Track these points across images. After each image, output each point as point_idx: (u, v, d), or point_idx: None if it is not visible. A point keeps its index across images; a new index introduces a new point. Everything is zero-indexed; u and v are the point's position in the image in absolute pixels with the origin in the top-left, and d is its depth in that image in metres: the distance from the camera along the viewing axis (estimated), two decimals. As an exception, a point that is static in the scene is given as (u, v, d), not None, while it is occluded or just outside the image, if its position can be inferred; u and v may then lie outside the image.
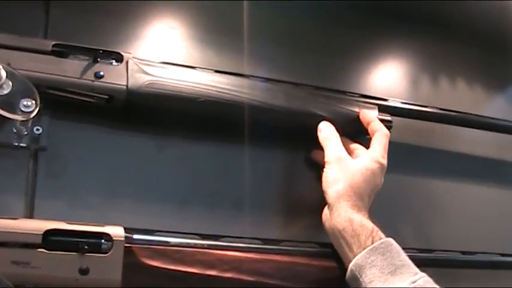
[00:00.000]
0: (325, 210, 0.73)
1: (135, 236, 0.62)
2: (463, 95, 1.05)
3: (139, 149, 0.73)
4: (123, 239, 0.60)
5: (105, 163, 0.71)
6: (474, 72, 1.08)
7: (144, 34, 0.80)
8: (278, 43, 0.89)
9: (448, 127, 0.94)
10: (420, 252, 0.80)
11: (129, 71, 0.68)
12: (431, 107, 0.90)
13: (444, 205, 0.93)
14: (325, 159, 0.74)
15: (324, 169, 0.74)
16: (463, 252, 0.84)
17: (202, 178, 0.76)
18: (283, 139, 0.81)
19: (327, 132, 0.77)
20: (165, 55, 0.79)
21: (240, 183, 0.78)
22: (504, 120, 0.97)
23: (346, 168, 0.73)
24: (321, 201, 0.74)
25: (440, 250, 0.82)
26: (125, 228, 0.61)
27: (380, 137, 0.77)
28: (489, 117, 0.96)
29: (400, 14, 1.02)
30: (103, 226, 0.60)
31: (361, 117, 0.81)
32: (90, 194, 0.69)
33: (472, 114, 0.93)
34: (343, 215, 0.69)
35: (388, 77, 1.00)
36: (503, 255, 0.88)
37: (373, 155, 0.75)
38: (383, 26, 1.02)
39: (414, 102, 0.89)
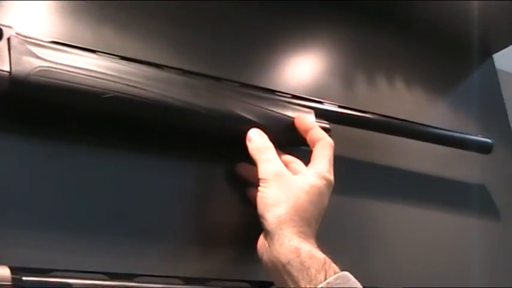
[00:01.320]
0: (262, 239, 0.73)
1: (26, 278, 0.58)
2: (402, 98, 1.12)
3: (22, 156, 0.69)
4: (9, 283, 0.56)
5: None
6: (414, 72, 1.15)
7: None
8: (191, 26, 0.88)
9: (390, 137, 0.98)
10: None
11: (12, 52, 0.63)
12: (372, 113, 0.94)
13: (385, 231, 0.97)
14: (260, 176, 0.74)
15: (260, 188, 0.73)
16: (409, 290, 0.89)
17: (103, 197, 0.73)
18: (204, 148, 0.81)
19: (259, 142, 0.77)
20: (49, 31, 0.75)
21: (151, 204, 0.76)
22: (451, 131, 1.04)
23: (288, 186, 0.72)
24: (253, 228, 0.75)
25: (383, 288, 0.86)
26: (10, 268, 0.57)
27: (323, 147, 0.79)
28: (436, 128, 1.02)
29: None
30: (-19, 266, 0.56)
31: (297, 123, 0.82)
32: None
33: (420, 124, 0.99)
34: (288, 244, 0.68)
35: (315, 74, 1.04)
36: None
37: (318, 170, 0.75)
38: (309, 11, 1.05)
39: (353, 107, 0.93)
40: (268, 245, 0.71)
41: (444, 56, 1.23)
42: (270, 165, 0.74)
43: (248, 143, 0.77)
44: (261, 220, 0.72)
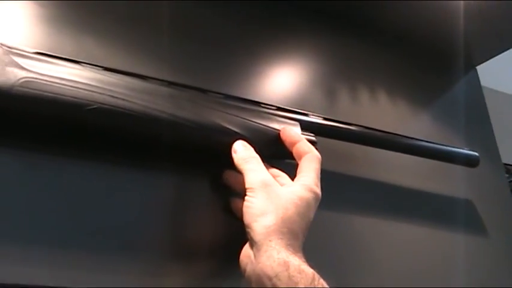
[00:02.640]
0: (247, 250, 0.74)
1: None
2: (385, 110, 1.15)
3: (4, 168, 0.70)
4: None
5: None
6: (397, 84, 1.19)
7: None
8: (175, 37, 0.91)
9: (373, 150, 1.01)
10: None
11: (-3, 63, 0.66)
12: (356, 125, 0.97)
13: (368, 244, 1.00)
14: (247, 185, 0.75)
15: (246, 197, 0.74)
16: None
17: (81, 210, 0.75)
18: (187, 160, 0.84)
19: (244, 153, 0.80)
20: (29, 42, 0.78)
21: (130, 217, 0.78)
22: (437, 144, 1.08)
23: (276, 196, 0.73)
24: (234, 240, 0.77)
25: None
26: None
27: (310, 160, 0.81)
28: (420, 140, 1.05)
29: (313, 9, 1.10)
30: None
31: (283, 135, 0.85)
32: None
33: (403, 136, 1.02)
34: (276, 257, 0.68)
35: (299, 86, 1.07)
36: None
37: (305, 183, 0.77)
38: (293, 20, 1.08)
39: (337, 118, 0.96)
40: (254, 256, 0.71)
41: (427, 68, 1.27)
42: (257, 175, 0.76)
43: (233, 154, 0.79)
44: (248, 230, 0.73)
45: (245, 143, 0.81)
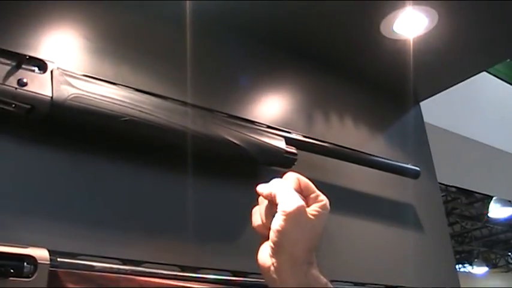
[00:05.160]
0: (267, 260, 0.62)
1: (60, 259, 0.60)
2: (350, 132, 1.17)
3: (55, 165, 0.71)
4: (48, 262, 0.58)
5: (18, 178, 0.68)
6: (360, 111, 1.20)
7: (57, 42, 0.79)
8: (190, 68, 0.92)
9: (341, 163, 1.03)
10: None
11: (54, 82, 0.67)
12: (329, 143, 0.99)
13: (337, 238, 1.01)
14: (282, 208, 0.61)
15: (279, 221, 0.61)
16: (355, 283, 0.93)
17: (118, 200, 0.76)
18: (199, 165, 0.84)
19: (277, 181, 0.66)
20: (79, 67, 0.78)
21: (156, 208, 0.79)
22: (389, 159, 1.09)
23: (306, 228, 0.61)
24: (236, 228, 0.79)
25: (335, 281, 0.90)
26: (48, 251, 0.58)
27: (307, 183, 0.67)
28: (377, 156, 1.07)
29: (297, 53, 1.12)
30: (26, 247, 0.57)
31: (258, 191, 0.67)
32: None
33: (364, 153, 1.04)
34: (300, 277, 0.59)
35: (284, 110, 1.08)
36: (387, 286, 0.98)
37: (324, 203, 0.65)
38: (281, 60, 1.10)
39: (313, 136, 0.97)
40: (274, 273, 0.61)
41: (383, 100, 1.29)
42: (292, 200, 0.62)
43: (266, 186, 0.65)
44: (273, 253, 0.61)
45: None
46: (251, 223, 0.67)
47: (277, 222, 0.61)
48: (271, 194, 0.64)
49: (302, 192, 0.65)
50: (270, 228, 0.62)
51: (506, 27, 1.14)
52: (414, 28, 1.10)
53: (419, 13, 1.06)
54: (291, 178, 0.66)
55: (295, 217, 0.61)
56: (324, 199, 0.65)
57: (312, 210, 0.63)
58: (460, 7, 1.06)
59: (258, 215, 0.66)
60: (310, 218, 0.62)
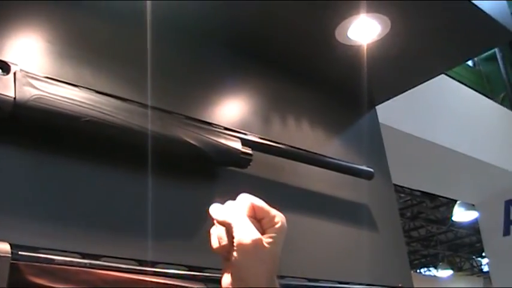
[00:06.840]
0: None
1: (21, 253, 0.63)
2: (307, 134, 1.22)
3: (18, 164, 0.75)
4: (9, 255, 0.61)
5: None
6: (316, 115, 1.26)
7: (20, 44, 0.83)
8: (150, 71, 0.96)
9: (297, 164, 1.08)
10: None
11: (17, 83, 0.70)
12: (285, 144, 1.04)
13: (293, 236, 1.04)
14: (238, 242, 0.60)
15: (237, 256, 0.60)
16: (309, 279, 0.98)
17: (79, 197, 0.80)
18: (155, 163, 0.87)
19: (229, 208, 0.64)
20: (41, 69, 0.82)
21: (115, 205, 0.83)
22: (344, 161, 1.15)
23: (265, 258, 0.60)
24: (192, 225, 0.84)
25: (290, 277, 0.95)
26: (10, 245, 0.62)
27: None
28: (332, 158, 1.13)
29: (256, 57, 1.17)
30: (-14, 242, 0.61)
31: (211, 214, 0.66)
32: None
33: (320, 154, 1.10)
34: None
35: (241, 112, 1.13)
36: (340, 282, 1.03)
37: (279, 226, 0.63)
38: (239, 63, 1.15)
39: (269, 138, 1.02)
40: None
41: (339, 104, 1.35)
42: (247, 232, 0.60)
43: (217, 211, 0.64)
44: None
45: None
46: (209, 243, 0.64)
47: (236, 258, 0.60)
48: (225, 222, 0.62)
49: (256, 215, 0.63)
50: (229, 252, 0.61)
51: (458, 33, 1.21)
52: (368, 34, 1.16)
53: (373, 20, 1.12)
54: (245, 203, 0.64)
55: (253, 250, 0.60)
56: (279, 220, 0.63)
57: (268, 238, 0.61)
58: (411, 15, 1.12)
59: (215, 237, 0.64)
60: (267, 248, 0.60)
